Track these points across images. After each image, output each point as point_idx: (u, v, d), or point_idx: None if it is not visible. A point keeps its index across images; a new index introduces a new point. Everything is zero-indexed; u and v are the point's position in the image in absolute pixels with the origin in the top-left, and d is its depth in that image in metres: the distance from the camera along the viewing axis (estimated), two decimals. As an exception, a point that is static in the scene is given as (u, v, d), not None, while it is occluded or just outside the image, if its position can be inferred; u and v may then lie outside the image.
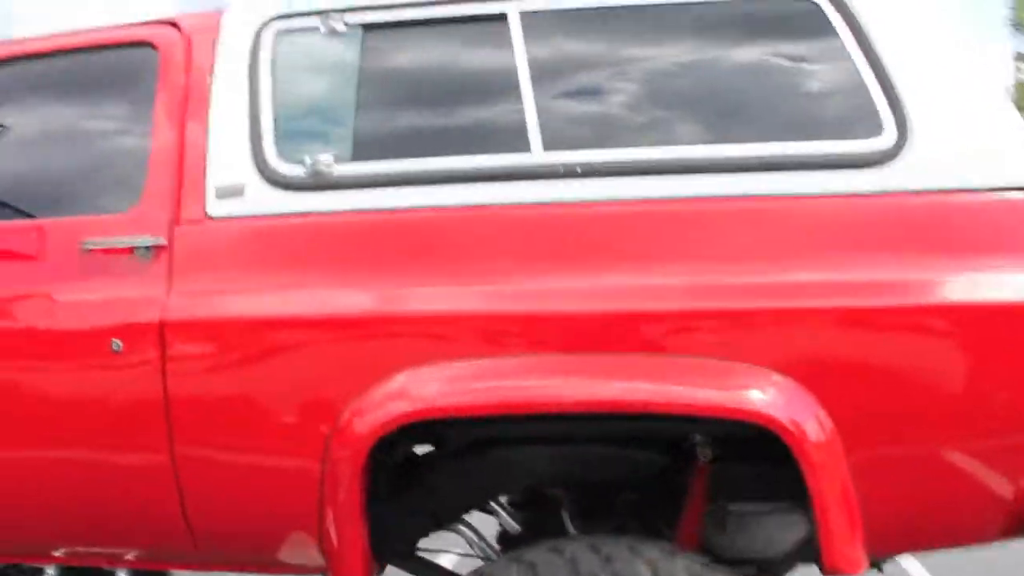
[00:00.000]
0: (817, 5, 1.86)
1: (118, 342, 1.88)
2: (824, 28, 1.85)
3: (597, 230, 1.80)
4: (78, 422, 1.92)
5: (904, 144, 1.78)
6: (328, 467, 1.76)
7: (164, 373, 1.86)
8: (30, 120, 2.25)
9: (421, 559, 2.17)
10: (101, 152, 2.15)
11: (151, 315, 1.88)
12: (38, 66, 2.22)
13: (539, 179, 1.83)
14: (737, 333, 1.72)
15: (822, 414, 1.70)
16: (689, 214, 1.80)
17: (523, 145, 1.85)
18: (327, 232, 1.88)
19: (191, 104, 2.01)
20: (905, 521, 1.78)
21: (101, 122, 2.17)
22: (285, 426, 1.81)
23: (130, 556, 2.10)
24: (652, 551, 1.73)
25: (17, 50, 2.24)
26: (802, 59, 1.88)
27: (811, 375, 1.71)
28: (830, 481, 1.69)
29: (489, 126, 1.94)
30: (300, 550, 1.88)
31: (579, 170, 1.82)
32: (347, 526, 1.78)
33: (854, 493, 1.72)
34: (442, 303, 1.78)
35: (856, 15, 1.84)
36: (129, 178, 2.02)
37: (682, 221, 1.80)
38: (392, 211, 1.87)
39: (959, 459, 1.71)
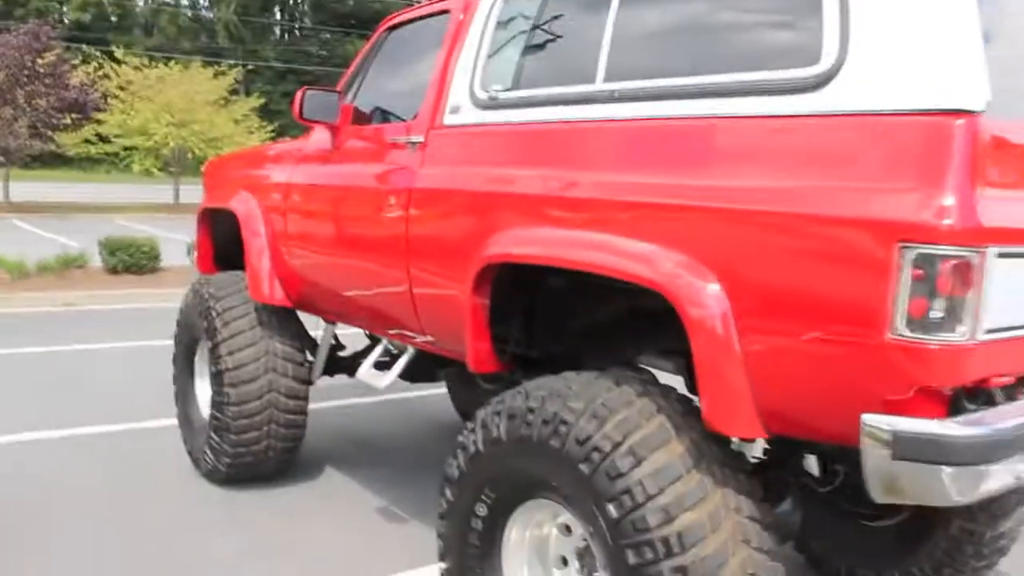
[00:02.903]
0: None
1: (392, 199, 3.05)
2: None
3: (611, 141, 2.41)
4: (372, 244, 3.23)
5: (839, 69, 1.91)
6: (465, 285, 2.67)
7: (408, 221, 2.97)
8: (394, 64, 3.60)
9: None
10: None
11: (407, 184, 3.01)
12: (405, 29, 3.58)
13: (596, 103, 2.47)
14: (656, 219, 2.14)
15: (721, 293, 1.95)
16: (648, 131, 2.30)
17: (591, 77, 2.50)
18: (492, 138, 2.83)
19: (454, 51, 3.04)
20: (781, 402, 1.95)
21: (427, 64, 3.21)
22: (453, 258, 2.78)
23: (388, 329, 3.43)
24: (641, 391, 2.15)
25: (396, 19, 3.63)
26: None
27: (720, 261, 1.97)
28: (710, 343, 1.94)
29: (568, 62, 2.65)
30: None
31: (616, 94, 2.40)
32: (473, 327, 2.67)
33: (740, 363, 1.93)
34: (541, 186, 2.50)
35: None
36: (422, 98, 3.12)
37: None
38: (530, 123, 2.67)
39: (823, 354, 1.83)
